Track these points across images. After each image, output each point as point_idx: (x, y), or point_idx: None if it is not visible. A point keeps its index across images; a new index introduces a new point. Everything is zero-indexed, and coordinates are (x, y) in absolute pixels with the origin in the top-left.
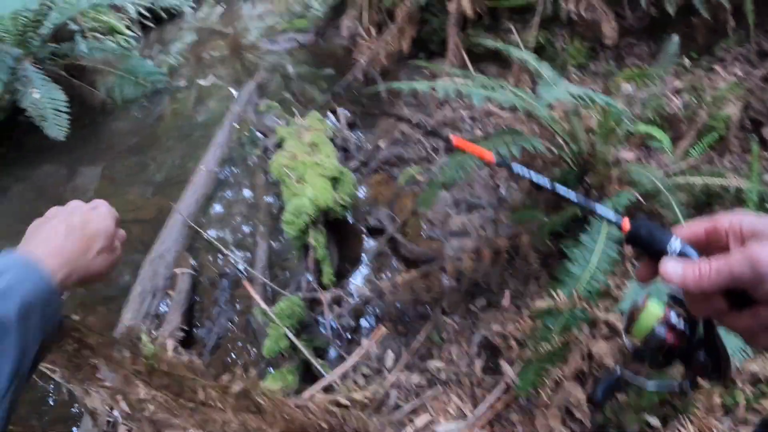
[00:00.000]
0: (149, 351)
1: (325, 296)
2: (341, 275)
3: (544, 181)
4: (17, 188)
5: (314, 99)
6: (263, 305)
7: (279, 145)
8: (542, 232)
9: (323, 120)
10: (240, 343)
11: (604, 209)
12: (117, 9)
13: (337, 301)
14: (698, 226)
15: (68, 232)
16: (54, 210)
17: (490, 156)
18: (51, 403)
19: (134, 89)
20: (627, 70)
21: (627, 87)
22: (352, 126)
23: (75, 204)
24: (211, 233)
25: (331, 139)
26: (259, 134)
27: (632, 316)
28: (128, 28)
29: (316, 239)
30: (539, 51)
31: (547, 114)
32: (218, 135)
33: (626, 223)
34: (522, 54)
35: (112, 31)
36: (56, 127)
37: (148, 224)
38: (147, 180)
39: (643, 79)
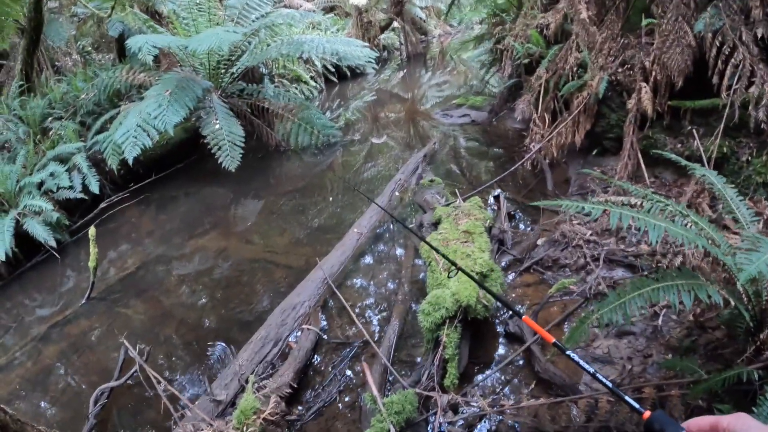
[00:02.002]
0: (248, 404)
1: (442, 399)
2: (465, 377)
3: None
4: (186, 200)
5: (479, 178)
6: (375, 392)
7: (435, 225)
8: (696, 389)
9: (483, 208)
10: (343, 420)
11: (629, 399)
12: (306, 60)
13: (454, 408)
14: (705, 422)
15: None
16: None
17: (550, 337)
18: None
19: (309, 138)
20: None
21: None
22: (512, 217)
23: None
24: (347, 297)
25: (489, 228)
26: (418, 207)
27: None
28: (313, 79)
29: (449, 337)
30: (721, 161)
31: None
32: (377, 199)
33: (646, 414)
34: (704, 172)
35: (298, 79)
36: (229, 158)
37: (292, 271)
38: (303, 224)
39: None
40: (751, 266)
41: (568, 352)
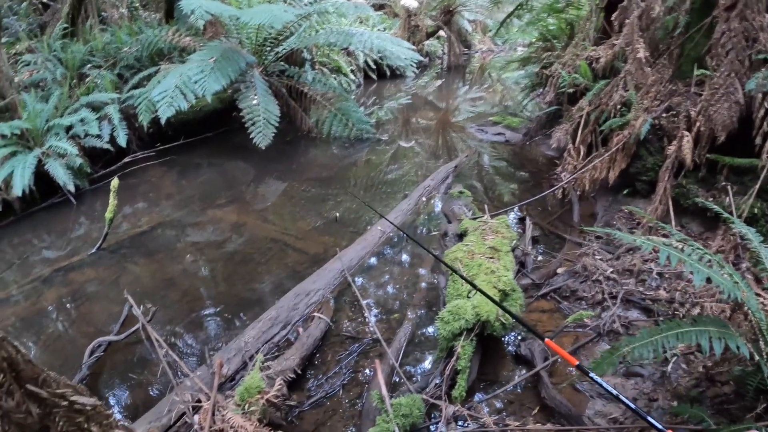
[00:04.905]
0: (254, 383)
1: (448, 410)
2: (472, 391)
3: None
4: (209, 169)
5: (501, 198)
6: (384, 392)
7: (460, 236)
8: None
9: (510, 227)
10: (342, 415)
11: (654, 421)
12: (348, 53)
13: (457, 420)
14: None
15: None
16: None
17: (573, 360)
18: None
19: (342, 129)
20: None
21: None
22: (535, 241)
23: None
24: (362, 293)
25: (512, 249)
26: (443, 216)
27: None
28: (353, 72)
29: (464, 348)
30: (750, 221)
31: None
32: (404, 202)
33: None
34: (743, 227)
35: (338, 70)
36: (261, 135)
37: (308, 257)
38: (321, 213)
39: None
40: None
41: (591, 375)
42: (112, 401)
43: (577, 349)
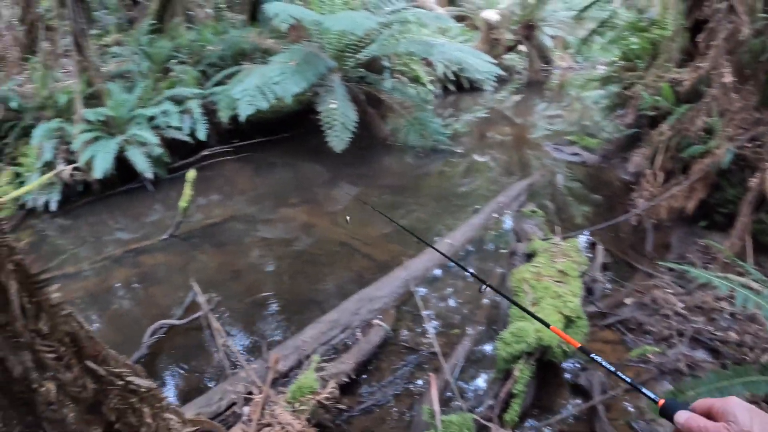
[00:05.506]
0: (308, 383)
1: None
2: (525, 417)
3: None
4: (283, 169)
5: (572, 220)
6: (436, 407)
7: (529, 256)
8: None
9: (581, 251)
10: (390, 424)
11: (646, 391)
12: (428, 63)
13: None
14: (705, 404)
15: None
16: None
17: (576, 343)
18: None
19: (418, 138)
20: None
21: None
22: (605, 268)
23: None
24: (424, 304)
25: (581, 274)
26: (513, 235)
27: None
28: (431, 82)
29: (522, 372)
30: None
31: None
32: (475, 217)
33: (661, 402)
34: None
35: (416, 79)
36: (338, 139)
37: (374, 264)
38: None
39: None
40: None
41: (592, 355)
42: (166, 382)
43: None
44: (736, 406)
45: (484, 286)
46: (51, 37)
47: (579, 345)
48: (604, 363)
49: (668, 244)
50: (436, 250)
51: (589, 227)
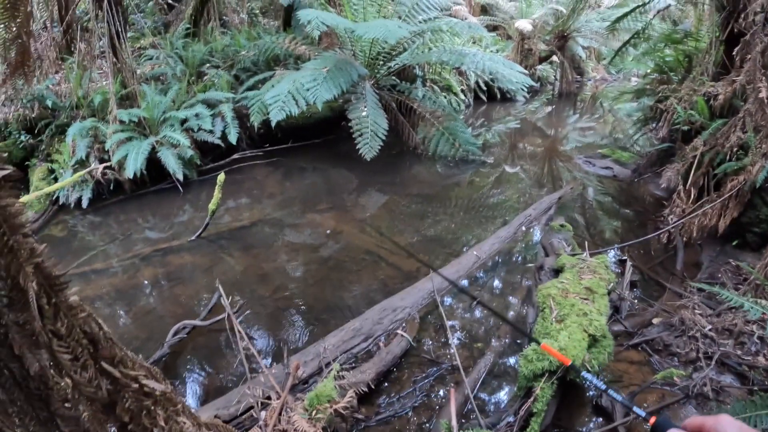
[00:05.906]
0: (326, 391)
1: None
2: None
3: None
4: (313, 174)
5: (602, 235)
6: (454, 422)
7: (556, 272)
8: None
9: (609, 268)
10: None
11: (637, 409)
12: (460, 73)
13: None
14: (696, 422)
15: None
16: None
17: (567, 360)
18: None
19: (448, 148)
20: None
21: None
22: (633, 286)
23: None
24: (448, 316)
25: (608, 292)
26: (541, 249)
27: None
28: (463, 92)
29: (543, 391)
30: None
31: None
32: (503, 229)
33: (652, 420)
34: None
35: (448, 89)
36: (368, 147)
37: (400, 273)
38: (418, 230)
39: None
40: None
41: (582, 373)
42: (186, 382)
43: (661, 409)
44: (727, 424)
45: (474, 302)
46: (87, 38)
47: (569, 362)
48: (595, 381)
49: (699, 263)
50: (436, 271)
51: (619, 243)
